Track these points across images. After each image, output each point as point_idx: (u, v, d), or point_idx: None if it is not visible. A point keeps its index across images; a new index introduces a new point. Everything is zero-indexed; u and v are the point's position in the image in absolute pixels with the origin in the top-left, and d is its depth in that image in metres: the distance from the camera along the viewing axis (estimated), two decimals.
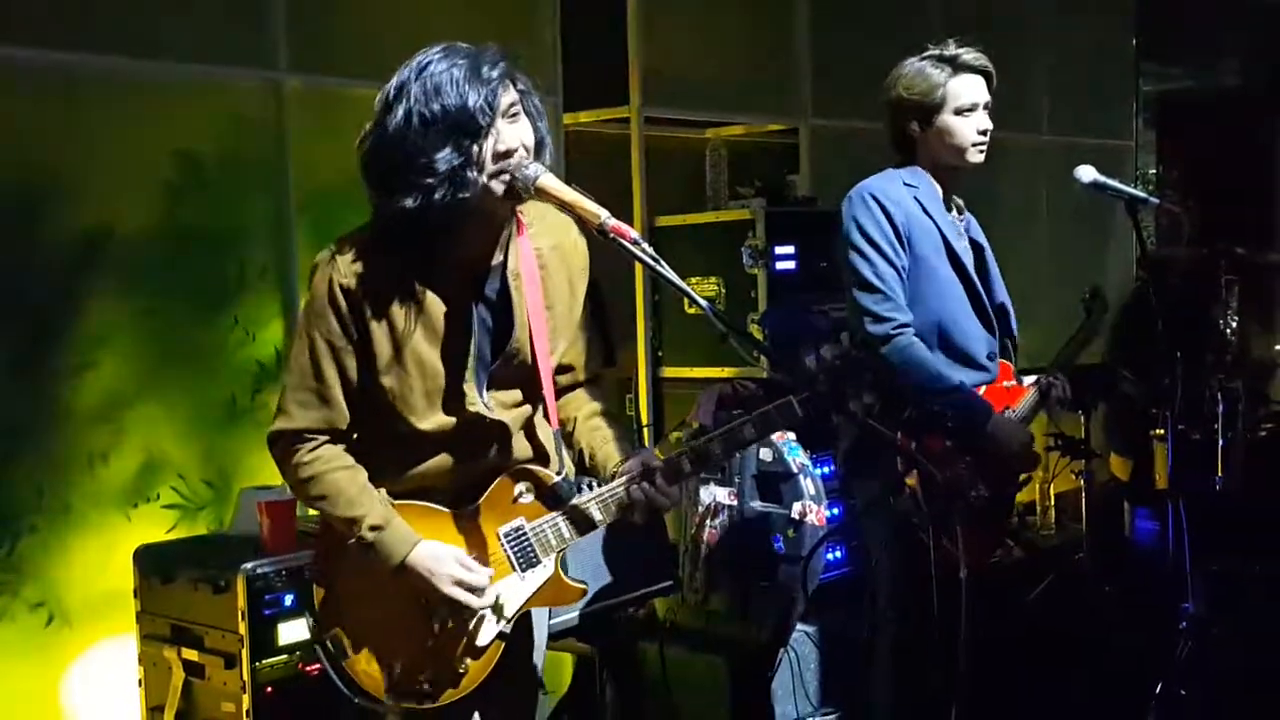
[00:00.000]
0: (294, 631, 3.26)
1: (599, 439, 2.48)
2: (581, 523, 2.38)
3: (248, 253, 3.90)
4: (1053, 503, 6.08)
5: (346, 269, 2.26)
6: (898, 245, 3.22)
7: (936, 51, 3.32)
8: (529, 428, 2.44)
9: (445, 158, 2.15)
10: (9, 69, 3.44)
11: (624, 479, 2.35)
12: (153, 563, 3.46)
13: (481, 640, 2.35)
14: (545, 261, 2.41)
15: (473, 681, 2.36)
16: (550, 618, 2.63)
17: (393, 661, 2.33)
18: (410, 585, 2.31)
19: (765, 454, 4.28)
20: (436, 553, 2.30)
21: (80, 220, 3.58)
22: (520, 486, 2.38)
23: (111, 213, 3.62)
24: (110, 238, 3.62)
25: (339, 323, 2.27)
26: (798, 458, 4.24)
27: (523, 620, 2.45)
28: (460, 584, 2.30)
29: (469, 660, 2.35)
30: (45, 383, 3.52)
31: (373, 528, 2.28)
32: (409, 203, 2.18)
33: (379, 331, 2.27)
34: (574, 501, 2.38)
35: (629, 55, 4.96)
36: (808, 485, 4.20)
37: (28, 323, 3.49)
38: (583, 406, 2.53)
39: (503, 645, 2.38)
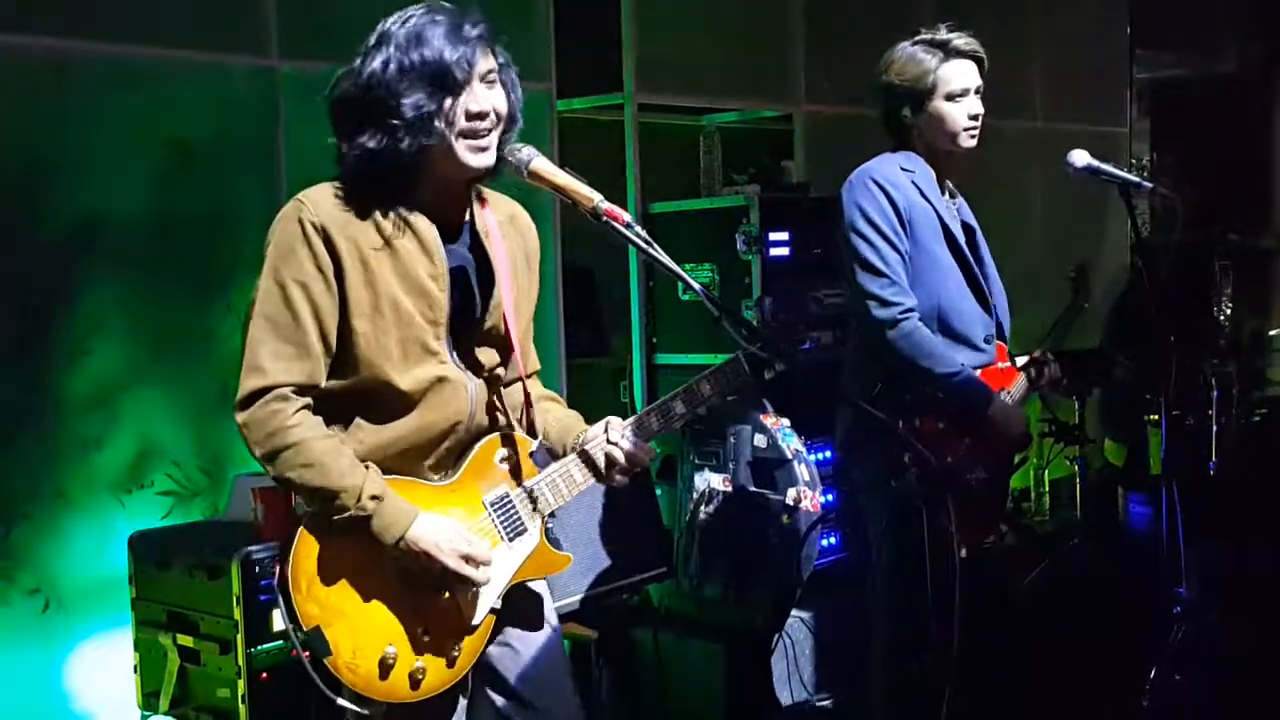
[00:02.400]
0: None
1: (550, 419, 2.47)
2: (564, 485, 2.36)
3: (240, 239, 3.89)
4: (1047, 489, 6.11)
5: (317, 209, 2.19)
6: (900, 230, 3.22)
7: (927, 36, 3.32)
8: (500, 393, 2.40)
9: (415, 103, 2.15)
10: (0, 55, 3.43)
11: (599, 440, 2.35)
12: (148, 549, 3.46)
13: (476, 618, 2.29)
14: (505, 233, 2.41)
15: (466, 663, 2.30)
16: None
17: (383, 652, 2.21)
18: (401, 563, 2.22)
19: (760, 440, 4.28)
20: (440, 525, 2.22)
21: (73, 207, 3.57)
22: (500, 453, 2.35)
23: (104, 199, 3.62)
24: (103, 224, 3.62)
25: (312, 260, 2.18)
26: (792, 444, 4.25)
27: (527, 599, 2.42)
28: (466, 558, 2.23)
29: (464, 640, 2.29)
30: (38, 369, 3.52)
31: (373, 497, 2.17)
32: (373, 143, 2.17)
33: (353, 271, 2.19)
34: (554, 465, 2.37)
35: (623, 42, 4.95)
36: (802, 471, 4.21)
37: (20, 309, 3.49)
38: (532, 392, 2.50)
39: (493, 620, 2.33)
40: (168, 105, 3.74)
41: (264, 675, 3.22)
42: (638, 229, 2.24)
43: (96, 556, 3.56)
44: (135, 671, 3.48)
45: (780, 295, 4.57)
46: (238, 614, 3.20)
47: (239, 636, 3.20)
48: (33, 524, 3.48)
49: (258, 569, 3.22)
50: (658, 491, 4.41)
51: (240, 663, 3.20)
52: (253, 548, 3.25)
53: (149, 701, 3.44)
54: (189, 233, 3.79)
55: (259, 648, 3.23)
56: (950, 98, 3.27)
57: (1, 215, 3.46)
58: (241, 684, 3.20)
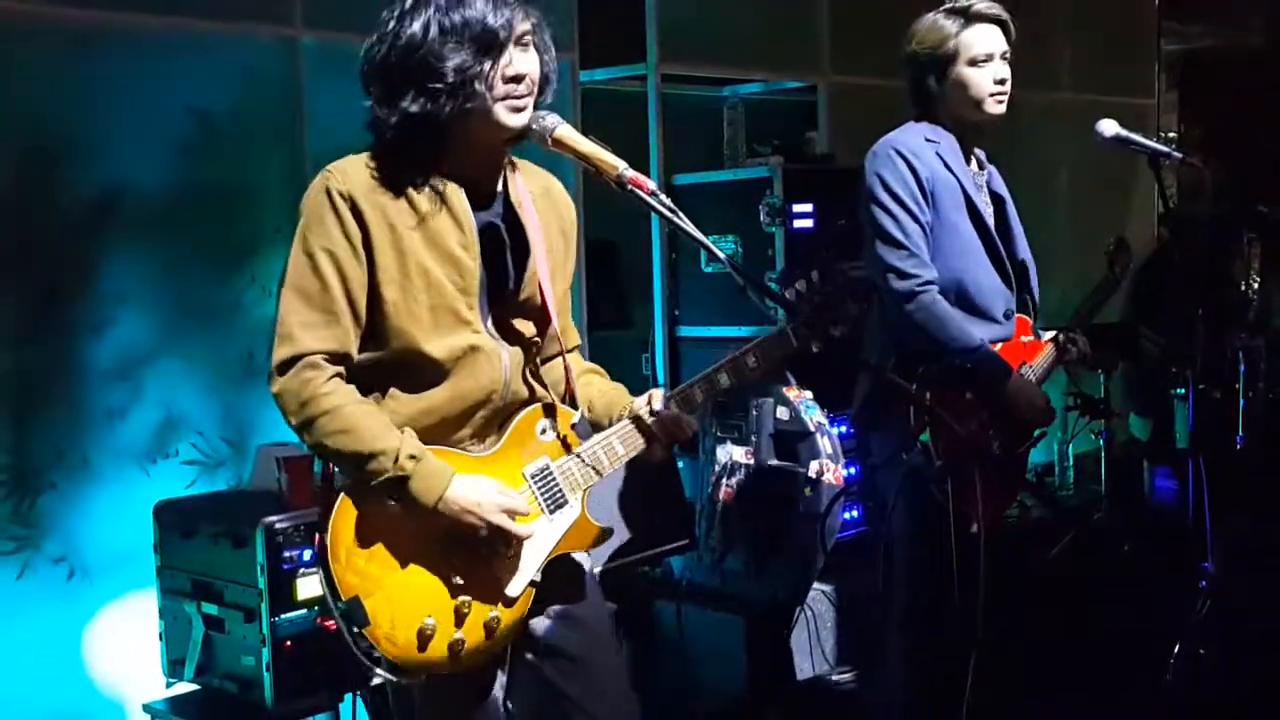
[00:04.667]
0: (313, 586, 3.27)
1: (594, 392, 2.46)
2: (606, 457, 2.34)
3: (263, 210, 3.90)
4: (1072, 462, 6.07)
5: (345, 178, 2.19)
6: (922, 201, 3.20)
7: (950, 4, 3.30)
8: (539, 364, 2.40)
9: (457, 66, 2.15)
10: (22, 25, 3.43)
11: (642, 411, 2.34)
12: (173, 518, 3.47)
13: (514, 589, 2.26)
14: (539, 206, 2.39)
15: (505, 635, 2.28)
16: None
17: (422, 622, 2.18)
18: (441, 528, 2.19)
19: (782, 413, 4.28)
20: (477, 482, 2.20)
21: (96, 178, 3.58)
22: (541, 424, 2.33)
23: (127, 170, 3.62)
24: (126, 195, 3.62)
25: (340, 229, 2.17)
26: (814, 416, 4.24)
27: (569, 571, 2.39)
28: (507, 511, 2.21)
29: (501, 610, 2.26)
30: (63, 340, 3.53)
31: (411, 456, 2.15)
32: (414, 107, 2.16)
33: (381, 239, 2.18)
34: (596, 436, 2.35)
35: (646, 12, 4.93)
36: (824, 444, 4.21)
37: (45, 280, 3.50)
38: (573, 366, 2.49)
39: (533, 594, 2.30)
40: (190, 76, 3.73)
41: (288, 643, 3.23)
42: (662, 197, 2.23)
43: (121, 525, 3.58)
44: (160, 639, 3.50)
45: (805, 268, 4.55)
46: (262, 582, 3.22)
47: (263, 605, 3.21)
48: (58, 493, 3.50)
49: (281, 538, 3.23)
50: (680, 464, 4.41)
51: (264, 631, 3.22)
52: (277, 516, 3.26)
53: (174, 669, 3.46)
54: (212, 203, 3.79)
55: (283, 616, 3.24)
56: (974, 63, 3.24)
57: (25, 186, 3.47)
58: (266, 652, 3.22)
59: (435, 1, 2.17)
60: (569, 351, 2.49)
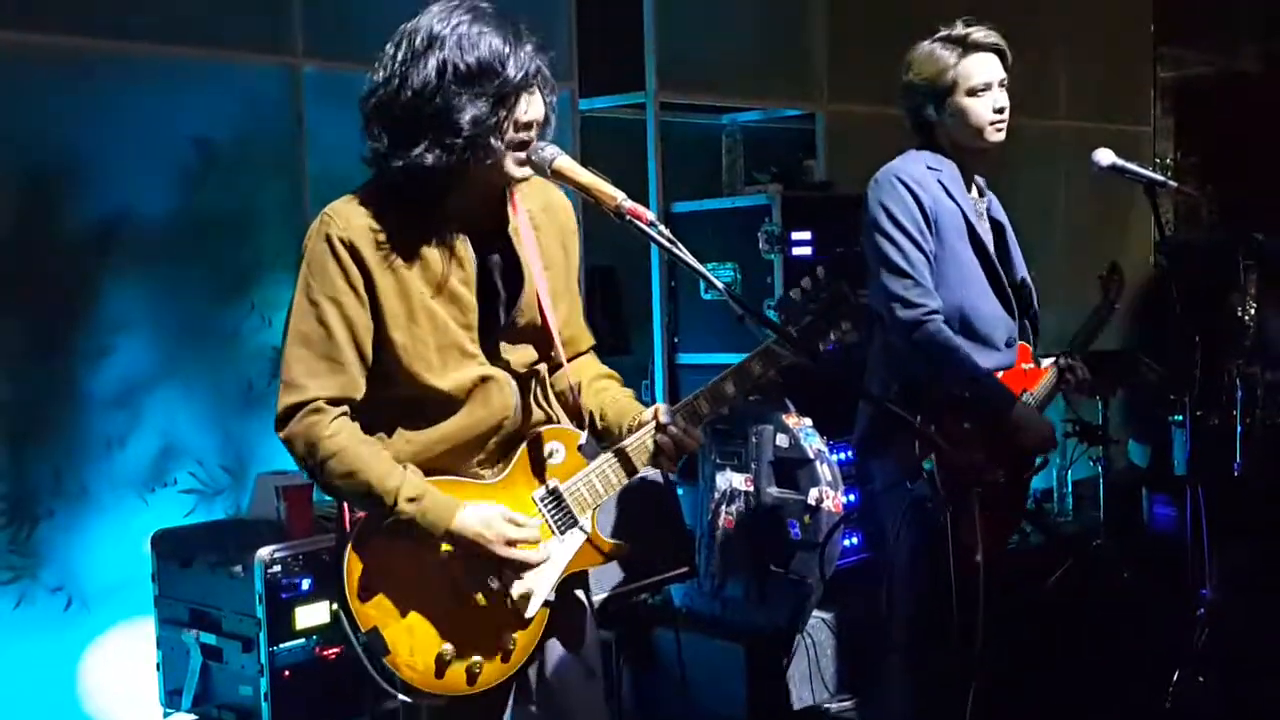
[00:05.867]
0: (311, 616, 3.27)
1: (607, 399, 2.46)
2: (613, 475, 2.35)
3: (264, 238, 3.91)
4: (1070, 489, 6.07)
5: (343, 224, 2.18)
6: (926, 230, 3.19)
7: (946, 33, 3.30)
8: (543, 387, 2.41)
9: (474, 119, 2.14)
10: (26, 54, 3.45)
11: (648, 427, 2.34)
12: (171, 547, 3.47)
13: (529, 611, 2.28)
14: (537, 222, 2.40)
15: (522, 656, 2.31)
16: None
17: (439, 650, 2.23)
18: (455, 558, 2.22)
19: (782, 440, 4.27)
20: (483, 514, 2.22)
21: (97, 205, 3.59)
22: (548, 447, 2.35)
23: (128, 197, 3.64)
24: (127, 222, 3.64)
25: (343, 277, 2.17)
26: (814, 444, 4.24)
27: (573, 593, 2.41)
28: (515, 543, 2.23)
29: (517, 633, 2.29)
30: (62, 367, 3.53)
31: (410, 499, 2.18)
32: (430, 159, 2.15)
33: (385, 283, 2.19)
34: (603, 456, 2.36)
35: (645, 41, 4.95)
36: (824, 471, 4.20)
37: (45, 307, 3.51)
38: (586, 371, 2.51)
39: (548, 614, 2.32)
40: (191, 104, 3.76)
41: (286, 673, 3.23)
42: (660, 227, 2.24)
43: (119, 554, 3.58)
44: (157, 669, 3.49)
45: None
46: (260, 612, 3.21)
47: (261, 634, 3.21)
48: (56, 522, 3.50)
49: (280, 567, 3.23)
50: (679, 491, 4.41)
51: (263, 661, 3.21)
52: (276, 546, 3.26)
53: (171, 699, 3.45)
54: (213, 231, 3.81)
55: (281, 646, 3.24)
56: (972, 92, 3.24)
57: (26, 213, 3.48)
58: (264, 682, 3.20)
59: (448, 41, 2.14)
60: (584, 353, 2.52)
